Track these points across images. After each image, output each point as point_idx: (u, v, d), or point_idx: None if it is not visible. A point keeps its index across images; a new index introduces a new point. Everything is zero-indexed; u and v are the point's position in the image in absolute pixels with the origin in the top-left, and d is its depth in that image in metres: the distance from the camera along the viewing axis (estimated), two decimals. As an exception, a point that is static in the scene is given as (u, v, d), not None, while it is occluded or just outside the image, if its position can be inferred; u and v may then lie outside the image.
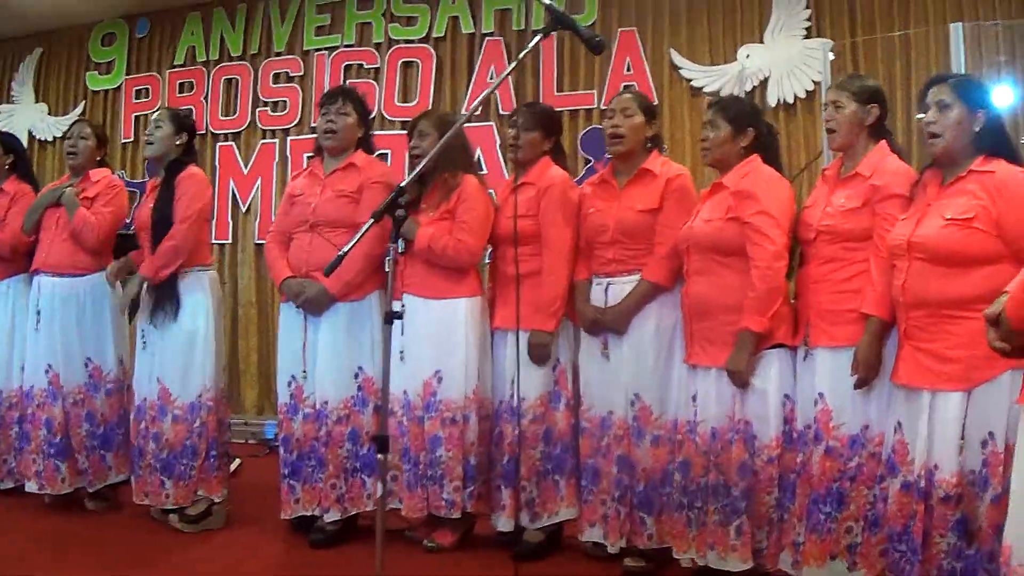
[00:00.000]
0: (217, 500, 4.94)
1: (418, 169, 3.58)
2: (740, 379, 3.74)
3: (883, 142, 3.71)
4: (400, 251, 4.50)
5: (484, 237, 4.49)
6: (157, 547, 4.61)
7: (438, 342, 4.40)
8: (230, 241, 8.29)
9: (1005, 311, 2.19)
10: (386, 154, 7.36)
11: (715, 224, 3.86)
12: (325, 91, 5.10)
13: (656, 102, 6.79)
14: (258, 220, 8.06)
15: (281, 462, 4.71)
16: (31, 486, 5.15)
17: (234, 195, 8.30)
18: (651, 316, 4.09)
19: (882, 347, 3.46)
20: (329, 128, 4.68)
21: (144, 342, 4.94)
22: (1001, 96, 5.45)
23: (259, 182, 8.18)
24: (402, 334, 4.39)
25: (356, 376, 4.55)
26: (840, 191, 3.68)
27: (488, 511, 4.50)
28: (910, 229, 3.32)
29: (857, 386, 3.48)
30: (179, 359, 4.86)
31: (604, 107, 6.93)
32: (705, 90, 6.92)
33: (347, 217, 4.58)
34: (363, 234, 3.09)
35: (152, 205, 4.94)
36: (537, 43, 3.28)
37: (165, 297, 4.86)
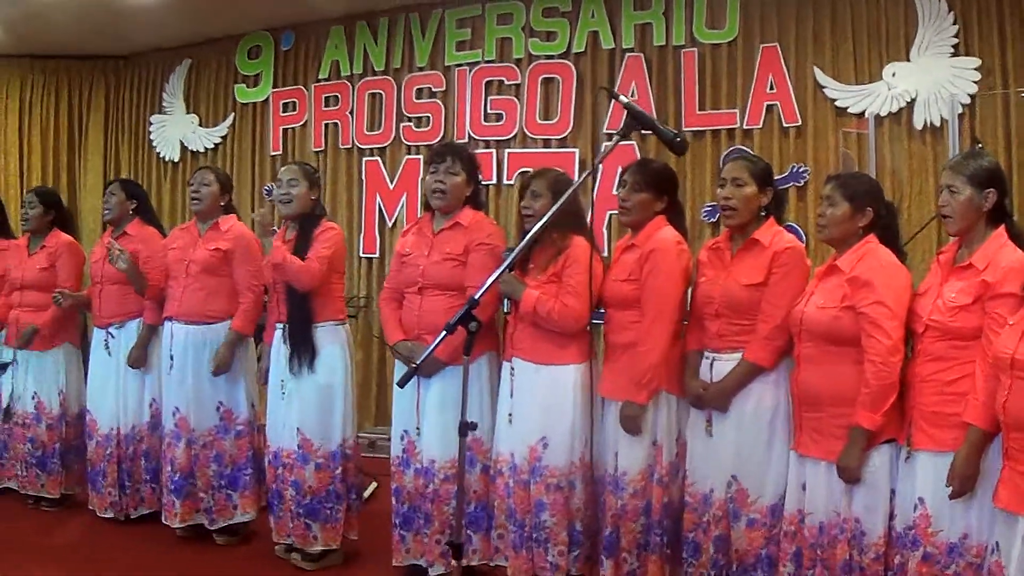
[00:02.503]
0: (353, 537, 5.45)
1: (528, 238, 3.76)
2: (851, 476, 3.76)
3: (1001, 228, 3.65)
4: (507, 312, 4.75)
5: (591, 302, 4.58)
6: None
7: (545, 408, 4.56)
8: (377, 255, 8.88)
9: None
10: (527, 171, 7.96)
11: (829, 312, 3.88)
12: (434, 148, 5.39)
13: (799, 122, 7.16)
14: (408, 225, 8.59)
15: (393, 512, 5.05)
16: (164, 518, 5.76)
17: (381, 210, 8.89)
18: (752, 397, 4.16)
19: (980, 458, 3.45)
20: (437, 188, 4.93)
21: (283, 392, 5.33)
22: None
23: (404, 197, 8.74)
24: (511, 396, 4.67)
25: (475, 426, 4.66)
26: (953, 282, 3.65)
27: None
28: (1015, 343, 3.27)
29: (952, 497, 3.48)
30: (319, 411, 5.28)
31: (747, 127, 7.33)
32: (850, 110, 7.02)
33: (454, 280, 4.85)
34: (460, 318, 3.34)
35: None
36: (615, 145, 3.47)
37: (302, 346, 5.25)
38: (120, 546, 5.77)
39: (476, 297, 3.37)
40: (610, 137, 3.47)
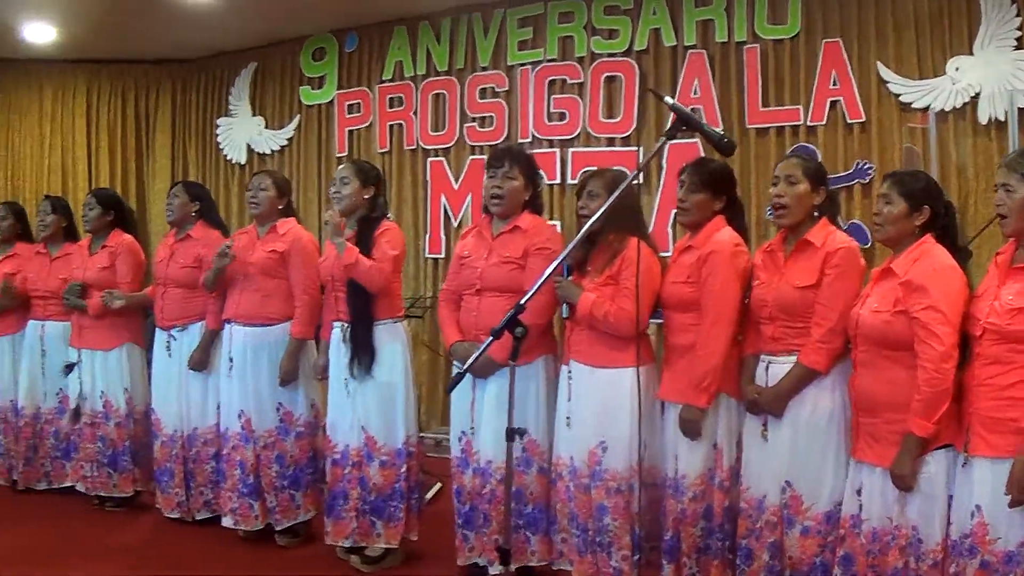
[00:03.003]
0: (414, 538, 5.52)
1: (572, 244, 3.77)
2: (904, 483, 3.75)
3: None
4: (565, 316, 4.78)
5: (648, 304, 4.60)
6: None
7: (603, 412, 4.60)
8: (443, 256, 9.00)
9: None
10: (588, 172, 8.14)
11: (883, 317, 3.86)
12: (491, 152, 5.45)
13: (863, 118, 7.16)
14: (467, 228, 8.70)
15: (456, 512, 5.12)
16: (227, 521, 5.87)
17: (446, 210, 9.03)
18: (807, 402, 4.15)
19: None
20: (496, 193, 5.00)
21: (348, 391, 5.43)
22: None
23: (470, 197, 8.83)
24: (568, 400, 4.74)
25: (522, 437, 4.58)
26: (1011, 284, 3.61)
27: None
28: None
29: (1011, 506, 3.45)
30: (382, 409, 5.37)
31: (811, 123, 7.36)
32: (914, 105, 7.02)
33: (513, 283, 4.90)
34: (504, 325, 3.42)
35: None
36: (660, 147, 3.54)
37: (361, 348, 5.34)
38: (184, 547, 5.94)
39: (522, 302, 3.43)
40: (671, 136, 3.52)
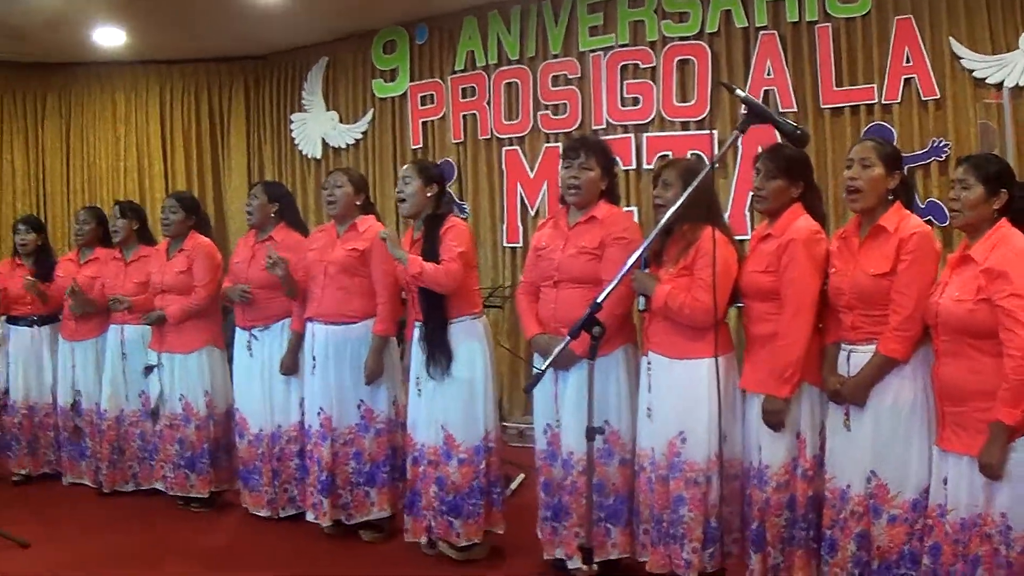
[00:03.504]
0: (500, 531, 5.59)
1: (649, 240, 3.85)
2: (992, 472, 3.74)
3: None
4: (641, 308, 4.81)
5: (724, 294, 4.61)
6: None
7: (682, 402, 4.64)
8: (520, 245, 9.13)
9: None
10: (667, 155, 7.99)
11: (965, 305, 3.85)
12: (567, 142, 5.52)
13: (938, 95, 7.18)
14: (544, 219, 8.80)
15: (543, 505, 5.21)
16: (310, 516, 6.00)
17: (522, 199, 9.16)
18: (890, 391, 4.17)
19: None
20: (571, 183, 5.05)
21: (419, 390, 5.54)
22: None
23: (545, 185, 8.97)
24: (648, 391, 4.79)
25: (603, 430, 4.82)
26: None
27: (739, 571, 4.76)
28: None
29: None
30: (460, 407, 5.44)
31: (886, 102, 7.36)
32: (988, 81, 7.01)
33: (590, 274, 4.96)
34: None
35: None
36: (733, 141, 3.61)
37: (437, 348, 5.43)
38: (270, 544, 6.10)
39: (599, 300, 3.48)
40: (744, 129, 3.55)
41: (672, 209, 3.75)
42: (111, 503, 7.12)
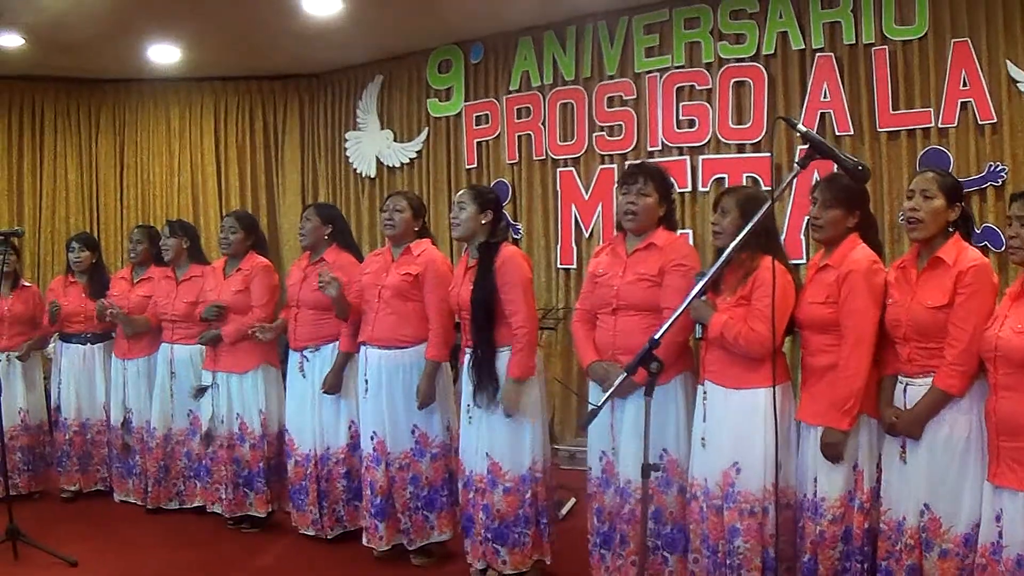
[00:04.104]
0: (547, 561, 5.61)
1: (715, 268, 3.90)
2: None
3: None
4: (698, 336, 4.88)
5: (781, 325, 4.67)
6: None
7: (737, 432, 4.68)
8: (574, 267, 9.23)
9: None
10: (723, 178, 8.20)
11: None
12: (625, 168, 5.56)
13: (995, 119, 7.20)
14: (601, 245, 8.37)
15: (593, 531, 5.26)
16: (364, 539, 6.10)
17: (577, 221, 9.26)
18: (945, 425, 4.18)
19: None
20: (629, 210, 5.11)
21: (470, 417, 5.61)
22: None
23: (600, 207, 9.08)
24: (703, 420, 4.83)
25: (661, 458, 4.96)
26: None
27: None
28: None
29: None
30: (507, 436, 5.49)
31: (942, 125, 7.40)
32: None
33: (649, 301, 5.01)
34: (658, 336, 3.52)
35: (472, 287, 5.53)
36: (793, 177, 3.62)
37: (485, 376, 5.48)
38: (320, 566, 6.22)
39: (656, 337, 3.50)
40: (804, 165, 3.56)
41: (733, 244, 3.76)
42: (157, 521, 7.29)
